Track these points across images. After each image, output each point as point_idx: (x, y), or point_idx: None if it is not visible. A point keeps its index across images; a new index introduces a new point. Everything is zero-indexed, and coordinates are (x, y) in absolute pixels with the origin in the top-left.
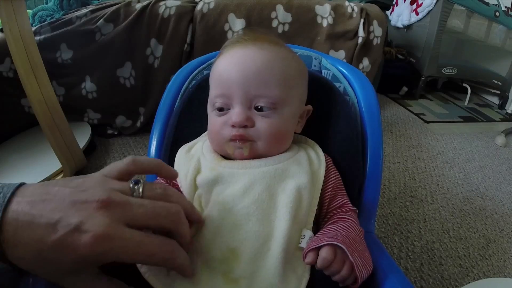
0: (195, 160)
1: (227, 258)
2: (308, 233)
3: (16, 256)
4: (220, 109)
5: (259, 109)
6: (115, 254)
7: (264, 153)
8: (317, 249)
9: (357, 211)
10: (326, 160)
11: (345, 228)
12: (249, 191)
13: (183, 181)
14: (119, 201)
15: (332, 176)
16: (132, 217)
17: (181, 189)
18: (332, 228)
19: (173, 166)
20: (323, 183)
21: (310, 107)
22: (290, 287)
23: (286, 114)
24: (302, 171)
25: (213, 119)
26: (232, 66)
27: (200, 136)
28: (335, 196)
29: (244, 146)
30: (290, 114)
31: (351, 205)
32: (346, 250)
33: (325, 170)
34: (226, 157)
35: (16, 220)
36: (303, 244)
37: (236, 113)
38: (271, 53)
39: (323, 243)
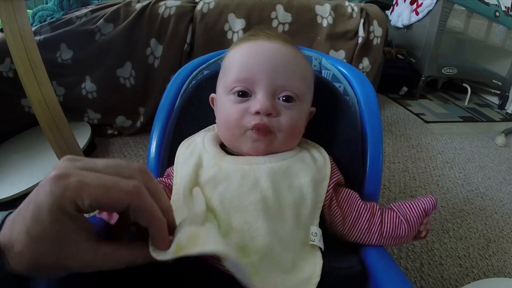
0: (196, 155)
1: (237, 256)
2: (318, 230)
3: (15, 254)
4: (241, 94)
5: (283, 100)
6: (77, 192)
7: (278, 149)
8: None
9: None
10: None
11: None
12: (256, 187)
13: (183, 177)
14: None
15: (334, 172)
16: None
17: (176, 186)
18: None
19: (173, 165)
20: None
21: (313, 109)
22: (305, 273)
23: (303, 110)
24: (306, 169)
25: (230, 107)
26: (259, 53)
27: (200, 131)
28: (338, 187)
29: (264, 139)
30: (305, 111)
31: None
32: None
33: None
34: (229, 152)
35: (8, 226)
36: (316, 242)
37: (261, 100)
38: (294, 50)
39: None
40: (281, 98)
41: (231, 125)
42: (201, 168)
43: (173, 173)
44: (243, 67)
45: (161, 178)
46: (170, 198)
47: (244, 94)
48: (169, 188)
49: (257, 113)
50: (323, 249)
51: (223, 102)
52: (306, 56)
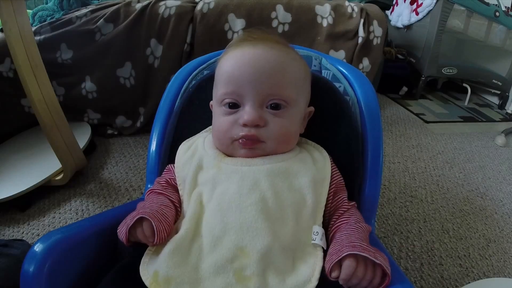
0: (196, 157)
1: (237, 256)
2: (320, 229)
3: None
4: (231, 106)
5: (272, 108)
6: None
7: (271, 153)
8: (339, 262)
9: (356, 204)
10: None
11: (355, 231)
12: (255, 188)
13: (184, 178)
14: None
15: (334, 174)
16: None
17: (180, 187)
18: (346, 234)
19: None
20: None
21: (312, 108)
22: (303, 276)
23: (295, 114)
24: (306, 170)
25: (221, 118)
26: (244, 64)
27: (201, 132)
28: (337, 192)
29: (252, 149)
30: (298, 115)
31: (349, 201)
32: (368, 256)
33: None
34: (228, 154)
35: None
36: (317, 240)
37: (248, 112)
38: (281, 53)
39: (344, 254)
40: (269, 106)
41: (221, 136)
42: (201, 171)
43: (174, 170)
44: (229, 81)
45: (163, 175)
46: (176, 193)
47: (234, 106)
48: (171, 184)
49: (245, 125)
50: (325, 248)
51: (216, 112)
52: (306, 56)
